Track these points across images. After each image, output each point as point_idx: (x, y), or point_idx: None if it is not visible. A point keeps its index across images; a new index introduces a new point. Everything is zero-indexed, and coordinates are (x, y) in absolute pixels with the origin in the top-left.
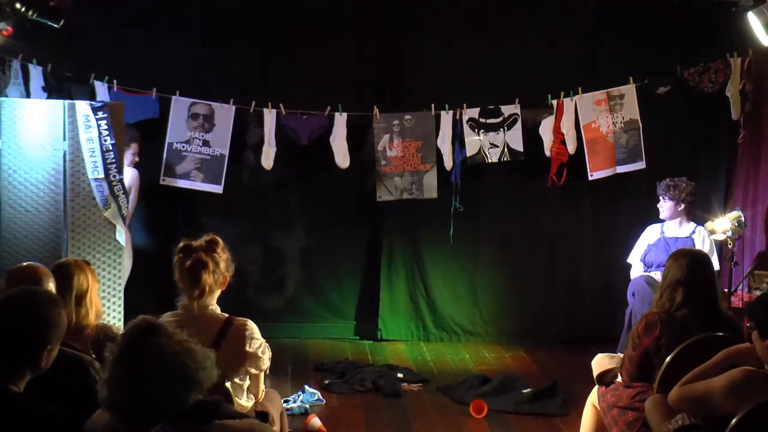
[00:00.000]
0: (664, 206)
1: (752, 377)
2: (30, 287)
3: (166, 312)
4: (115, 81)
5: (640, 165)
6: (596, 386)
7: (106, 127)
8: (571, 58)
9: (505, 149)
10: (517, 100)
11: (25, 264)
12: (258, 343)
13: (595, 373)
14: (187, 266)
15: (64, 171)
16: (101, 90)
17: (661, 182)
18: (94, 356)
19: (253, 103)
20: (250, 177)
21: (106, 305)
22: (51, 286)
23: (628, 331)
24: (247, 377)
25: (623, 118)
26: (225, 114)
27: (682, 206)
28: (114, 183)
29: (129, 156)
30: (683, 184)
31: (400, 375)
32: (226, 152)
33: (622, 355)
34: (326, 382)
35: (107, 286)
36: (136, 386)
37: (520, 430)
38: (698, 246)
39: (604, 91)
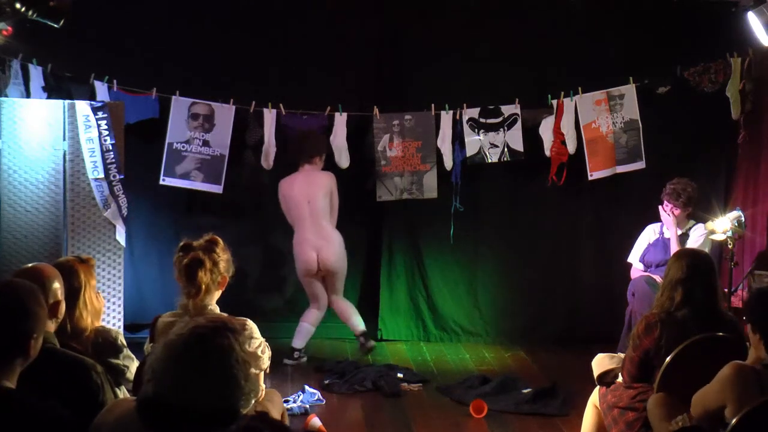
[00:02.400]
0: (675, 212)
1: (742, 371)
2: (6, 279)
3: (167, 312)
4: (115, 81)
5: (640, 165)
6: (597, 386)
7: (106, 127)
8: (571, 58)
9: (505, 149)
10: (517, 100)
11: (30, 265)
12: (257, 343)
13: (595, 374)
14: (184, 264)
15: (64, 171)
16: (101, 90)
17: (666, 190)
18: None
19: (253, 103)
20: (250, 177)
21: (105, 305)
22: (56, 286)
23: (628, 332)
24: None
25: (623, 118)
26: (225, 114)
27: (689, 210)
28: (114, 183)
29: (320, 161)
30: (689, 188)
31: (400, 375)
32: (226, 152)
33: (622, 356)
34: (326, 382)
35: (107, 286)
36: (189, 380)
37: (520, 430)
38: (691, 239)
39: (604, 91)
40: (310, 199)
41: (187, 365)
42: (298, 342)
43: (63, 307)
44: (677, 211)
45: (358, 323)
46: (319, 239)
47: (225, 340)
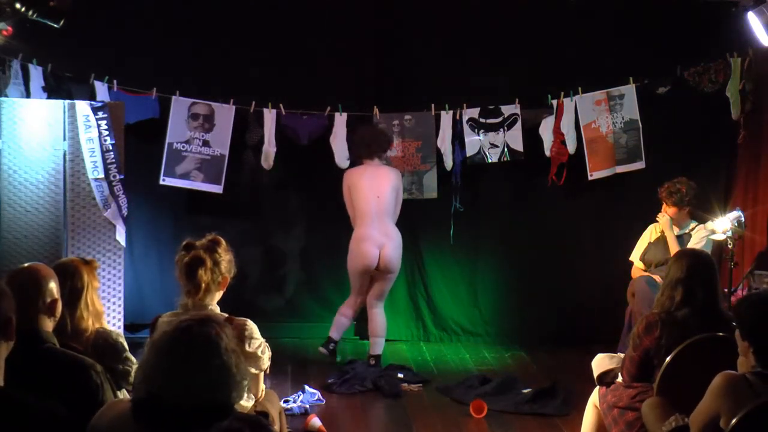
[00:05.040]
0: (669, 212)
1: (733, 380)
2: None
3: (167, 312)
4: (115, 81)
5: (640, 165)
6: (597, 386)
7: (106, 127)
8: (571, 58)
9: (505, 149)
10: (517, 100)
11: (26, 264)
12: (257, 343)
13: (595, 374)
14: (185, 262)
15: (64, 171)
16: (101, 90)
17: (661, 188)
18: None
19: (253, 103)
20: (250, 177)
21: (105, 305)
22: (52, 285)
23: (629, 332)
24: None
25: (623, 118)
26: (225, 114)
27: (686, 209)
28: (114, 183)
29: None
30: (684, 187)
31: (400, 375)
32: (226, 152)
33: (622, 356)
34: (329, 381)
35: (107, 286)
36: (180, 373)
37: (520, 430)
38: (693, 240)
39: (604, 91)
40: (380, 194)
41: (175, 358)
42: (336, 334)
43: (60, 305)
44: (671, 211)
45: (380, 345)
46: (383, 236)
47: (211, 330)
